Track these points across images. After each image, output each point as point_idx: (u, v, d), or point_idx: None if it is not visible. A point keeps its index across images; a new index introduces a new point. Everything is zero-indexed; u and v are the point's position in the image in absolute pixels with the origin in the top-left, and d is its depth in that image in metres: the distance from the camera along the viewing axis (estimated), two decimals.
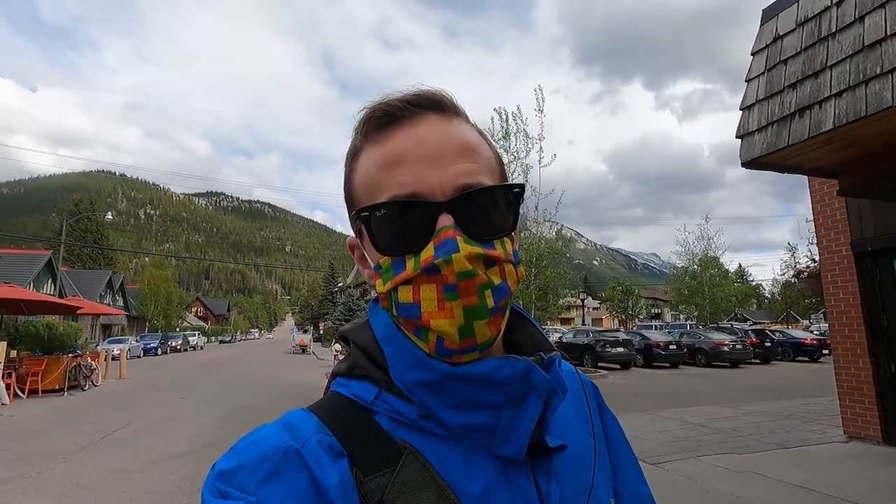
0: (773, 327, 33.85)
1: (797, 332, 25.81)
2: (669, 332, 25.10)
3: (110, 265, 52.66)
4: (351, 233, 0.56)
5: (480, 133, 0.55)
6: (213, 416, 9.37)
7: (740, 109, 4.15)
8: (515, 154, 16.47)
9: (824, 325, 27.15)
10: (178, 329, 53.30)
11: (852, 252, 6.34)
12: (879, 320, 6.13)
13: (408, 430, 0.49)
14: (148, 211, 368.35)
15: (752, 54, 4.20)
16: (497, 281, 0.47)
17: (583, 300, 34.60)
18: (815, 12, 3.70)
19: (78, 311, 16.56)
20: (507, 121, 16.55)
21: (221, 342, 71.33)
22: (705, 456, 5.77)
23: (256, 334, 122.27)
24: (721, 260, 37.07)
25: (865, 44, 3.24)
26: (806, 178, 6.17)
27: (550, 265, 17.87)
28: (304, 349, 37.09)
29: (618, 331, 25.78)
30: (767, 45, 4.04)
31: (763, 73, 4.02)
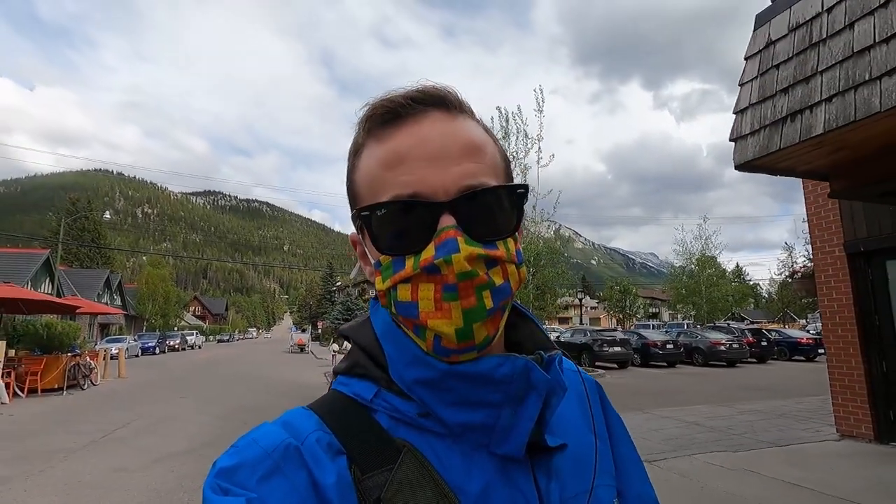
0: (770, 327, 34.02)
1: (793, 332, 25.98)
2: (667, 332, 25.22)
3: (108, 264, 52.58)
4: (353, 229, 0.56)
5: (486, 130, 0.54)
6: (213, 416, 9.42)
7: (734, 113, 4.22)
8: (514, 154, 16.55)
9: (820, 325, 27.30)
10: (175, 328, 53.27)
11: (845, 253, 6.42)
12: (872, 320, 6.21)
13: (407, 428, 0.49)
14: (145, 210, 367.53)
15: (746, 59, 4.27)
16: (499, 281, 0.47)
17: (581, 300, 34.68)
18: (807, 18, 3.77)
19: (77, 311, 16.57)
20: (507, 121, 16.63)
21: (219, 341, 71.27)
22: (700, 454, 5.84)
23: (254, 333, 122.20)
24: (719, 259, 37.26)
25: (855, 50, 3.32)
26: (800, 179, 6.25)
27: (548, 265, 17.96)
28: (302, 348, 37.12)
29: (615, 330, 25.87)
30: (760, 50, 4.11)
31: (756, 77, 4.09)
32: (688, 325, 36.33)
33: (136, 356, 29.81)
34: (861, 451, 5.83)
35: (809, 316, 48.35)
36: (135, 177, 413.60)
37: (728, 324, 31.61)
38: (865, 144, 3.74)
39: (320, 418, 0.49)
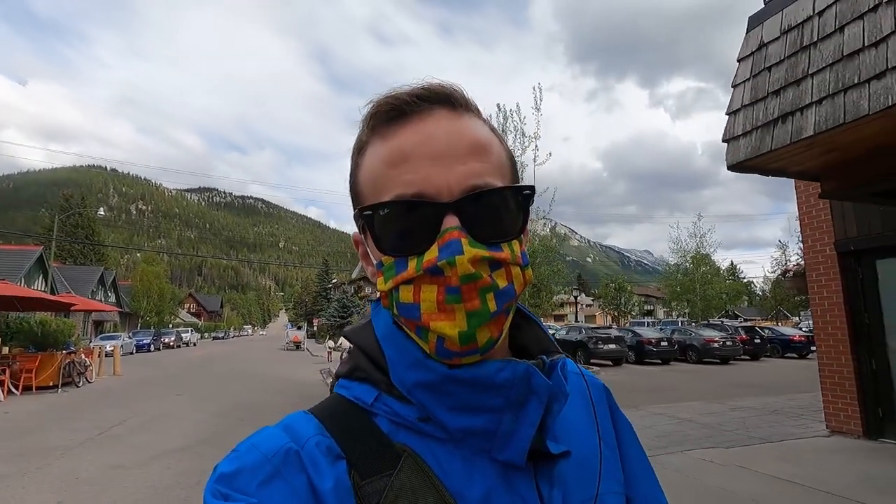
0: (763, 324, 34.29)
1: (786, 329, 26.17)
2: (661, 329, 25.36)
3: (102, 261, 52.28)
4: (355, 228, 0.55)
5: (492, 130, 0.53)
6: (209, 413, 9.43)
7: (726, 114, 4.27)
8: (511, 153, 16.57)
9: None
10: (170, 325, 53.09)
11: (836, 252, 6.51)
12: (861, 318, 6.31)
13: (407, 432, 0.48)
14: (140, 206, 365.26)
15: (739, 61, 4.33)
16: (502, 284, 0.46)
17: (576, 297, 34.86)
18: (799, 21, 3.83)
19: (72, 308, 16.51)
20: (505, 118, 16.66)
21: (215, 339, 71.10)
22: (693, 450, 5.92)
23: (250, 331, 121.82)
24: (713, 257, 37.51)
25: (844, 53, 3.38)
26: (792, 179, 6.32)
27: (544, 262, 18.03)
28: (298, 346, 37.11)
29: (610, 328, 26.03)
30: (753, 52, 4.17)
31: (748, 79, 4.15)
32: (682, 322, 36.57)
33: (131, 353, 29.72)
34: (850, 447, 5.93)
35: (802, 314, 48.78)
36: (129, 173, 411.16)
37: (722, 321, 31.85)
38: (855, 146, 3.80)
39: (320, 422, 0.49)
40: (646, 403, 9.31)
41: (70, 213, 48.97)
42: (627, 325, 43.22)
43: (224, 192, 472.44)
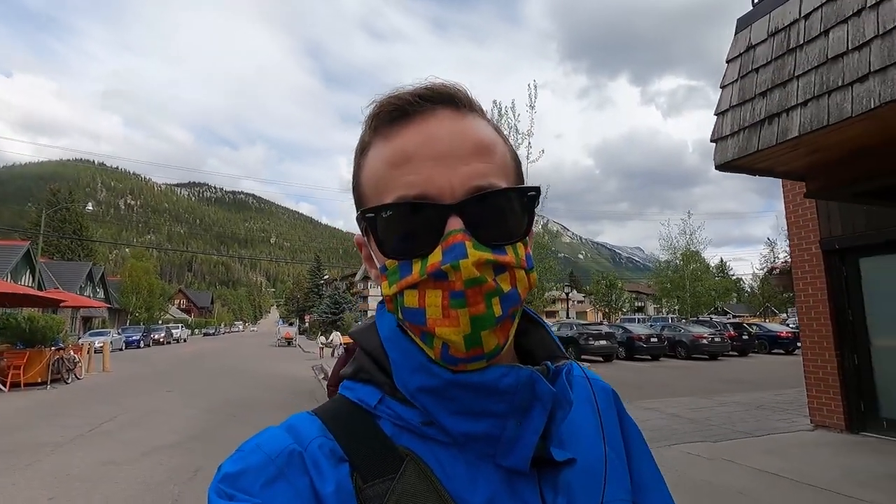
0: (752, 321, 34.76)
1: (773, 326, 26.58)
2: (651, 326, 25.64)
3: (90, 256, 51.72)
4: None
5: (497, 130, 0.52)
6: (200, 409, 9.42)
7: (715, 115, 4.34)
8: None
9: None
10: (160, 322, 52.68)
11: (821, 250, 6.64)
12: (845, 315, 6.45)
13: (411, 436, 0.48)
14: (128, 201, 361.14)
15: (727, 62, 4.39)
16: (507, 288, 0.46)
17: (567, 294, 35.07)
18: (785, 24, 3.89)
19: (60, 304, 16.35)
20: (500, 116, 16.69)
21: (205, 335, 70.67)
22: (680, 444, 6.03)
23: (241, 327, 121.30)
24: (703, 254, 37.93)
25: (829, 56, 3.45)
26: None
27: (536, 259, 18.04)
28: (289, 342, 37.03)
29: (601, 324, 26.23)
30: (741, 54, 4.23)
31: (736, 80, 4.22)
32: (672, 319, 36.97)
33: (121, 350, 29.49)
34: (833, 441, 6.07)
35: (789, 310, 49.51)
36: (117, 167, 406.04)
37: (711, 318, 32.23)
38: (839, 147, 3.89)
39: (324, 424, 0.49)
40: (635, 399, 9.43)
41: (58, 208, 48.35)
42: (618, 321, 43.59)
43: (214, 188, 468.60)
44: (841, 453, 5.58)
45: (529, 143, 16.58)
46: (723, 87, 4.35)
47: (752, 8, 4.36)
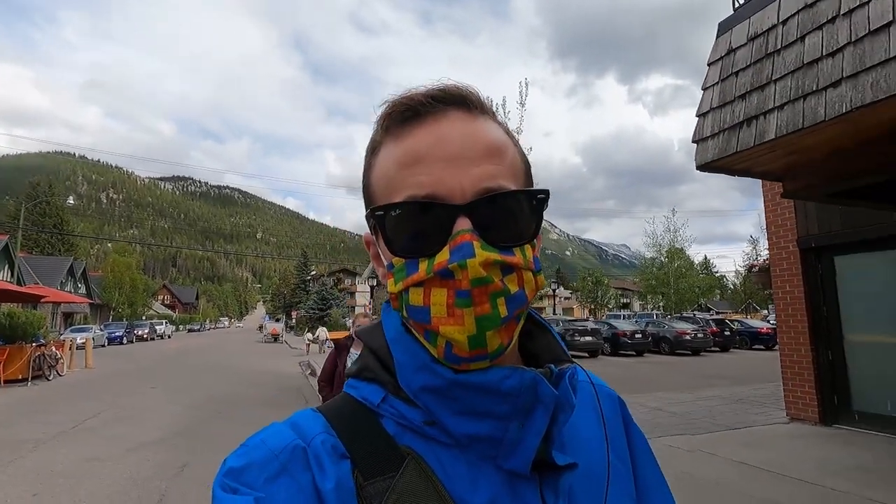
0: (734, 317, 35.44)
1: (754, 322, 27.14)
2: (636, 322, 26.01)
3: (71, 251, 50.77)
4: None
5: (507, 132, 0.53)
6: (185, 406, 9.37)
7: (696, 116, 4.45)
8: None
9: None
10: (143, 318, 51.98)
11: (798, 248, 6.83)
12: (820, 312, 6.65)
13: (413, 435, 0.48)
14: (110, 195, 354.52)
15: (709, 64, 4.50)
16: (514, 289, 0.46)
17: (554, 290, 35.40)
18: (764, 29, 4.00)
19: (41, 300, 16.07)
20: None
21: (190, 331, 69.91)
22: (661, 437, 6.18)
23: (226, 323, 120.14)
24: (688, 252, 38.55)
25: (805, 62, 3.56)
26: None
27: None
28: (276, 338, 36.83)
29: (587, 320, 26.57)
30: (722, 57, 4.34)
31: (717, 82, 4.32)
32: (657, 315, 37.55)
33: (103, 346, 29.04)
34: (807, 433, 6.27)
35: (770, 307, 50.49)
36: (98, 160, 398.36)
37: (694, 314, 32.79)
38: (814, 149, 4.02)
39: (327, 421, 0.49)
40: (619, 393, 9.56)
41: (37, 202, 47.35)
42: (604, 317, 44.09)
43: (199, 182, 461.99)
44: (814, 445, 5.77)
45: (518, 140, 16.72)
46: (704, 89, 4.45)
47: (733, 12, 4.46)
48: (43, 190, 55.05)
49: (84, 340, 18.87)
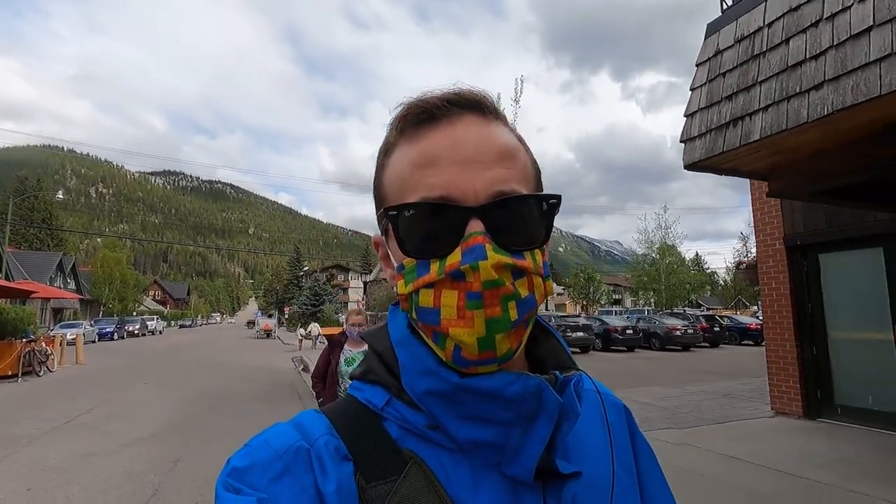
0: (724, 313, 35.82)
1: (743, 318, 27.48)
2: (627, 318, 26.24)
3: (60, 246, 50.28)
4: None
5: (519, 139, 0.53)
6: (177, 401, 9.38)
7: (684, 116, 4.53)
8: None
9: None
10: (134, 313, 51.62)
11: (784, 246, 6.96)
12: (805, 309, 6.79)
13: (416, 439, 0.48)
14: (100, 189, 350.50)
15: (697, 65, 4.57)
16: (524, 293, 0.46)
17: None
18: (751, 31, 4.08)
19: (31, 295, 15.95)
20: None
21: (181, 327, 69.53)
22: (649, 431, 6.29)
23: (218, 319, 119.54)
24: (679, 248, 38.89)
25: (789, 64, 3.64)
26: None
27: None
28: (268, 334, 36.75)
29: (578, 316, 26.76)
30: (710, 58, 4.42)
31: (705, 83, 4.40)
32: (648, 311, 37.88)
33: (93, 342, 28.85)
34: (791, 427, 6.42)
35: (759, 303, 51.03)
36: (88, 154, 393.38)
37: (684, 310, 33.11)
38: (798, 150, 4.11)
39: (331, 422, 0.49)
40: (610, 388, 9.72)
41: (25, 196, 46.78)
42: (596, 313, 44.41)
43: (191, 176, 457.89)
44: (798, 438, 5.91)
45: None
46: (692, 89, 4.53)
47: (721, 14, 4.54)
48: (31, 184, 54.41)
49: (74, 336, 18.76)
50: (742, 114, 3.94)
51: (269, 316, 54.15)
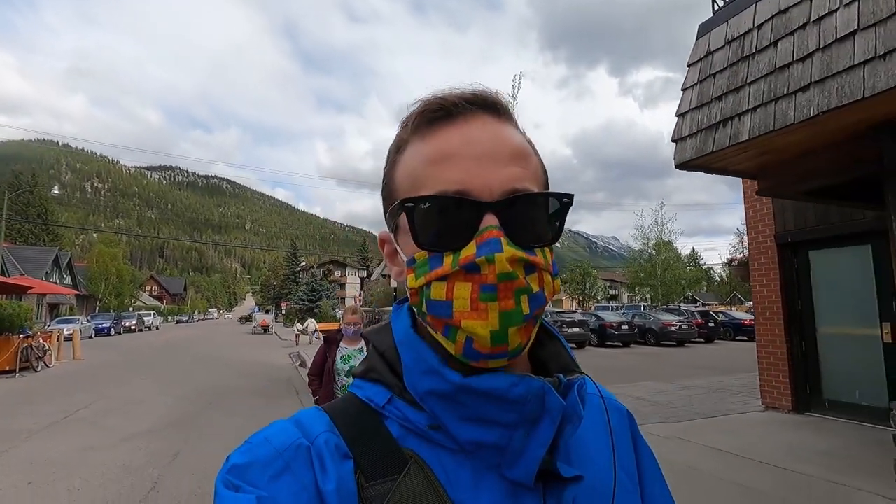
0: (719, 308, 36.05)
1: (738, 314, 27.66)
2: (623, 314, 26.39)
3: (55, 242, 50.09)
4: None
5: (529, 141, 0.54)
6: (175, 397, 9.44)
7: (676, 116, 4.60)
8: None
9: None
10: (131, 309, 51.53)
11: (776, 243, 7.06)
12: (795, 305, 6.90)
13: (417, 439, 0.48)
14: (95, 184, 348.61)
15: (688, 66, 4.64)
16: (535, 288, 0.46)
17: None
18: (741, 33, 4.15)
19: (29, 291, 15.95)
20: None
21: (178, 322, 69.42)
22: (642, 425, 6.31)
23: (215, 314, 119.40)
24: (675, 244, 39.06)
25: (777, 66, 3.72)
26: None
27: None
28: (266, 329, 36.79)
29: (574, 312, 26.89)
30: (701, 59, 4.49)
31: (696, 83, 4.47)
32: (644, 307, 38.09)
33: (90, 337, 28.84)
34: (780, 420, 6.53)
35: None
36: (83, 148, 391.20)
37: (679, 306, 33.29)
38: (787, 149, 4.19)
39: (332, 420, 0.49)
40: (603, 384, 9.78)
41: (20, 191, 46.54)
42: (592, 309, 44.59)
43: (187, 171, 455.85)
44: (787, 432, 6.02)
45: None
46: (683, 89, 4.60)
47: (712, 15, 4.61)
48: (26, 179, 54.11)
49: (71, 332, 18.76)
50: (731, 114, 4.01)
51: (267, 311, 54.18)
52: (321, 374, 3.70)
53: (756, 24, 4.02)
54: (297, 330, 24.97)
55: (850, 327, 6.39)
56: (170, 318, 71.68)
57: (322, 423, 0.49)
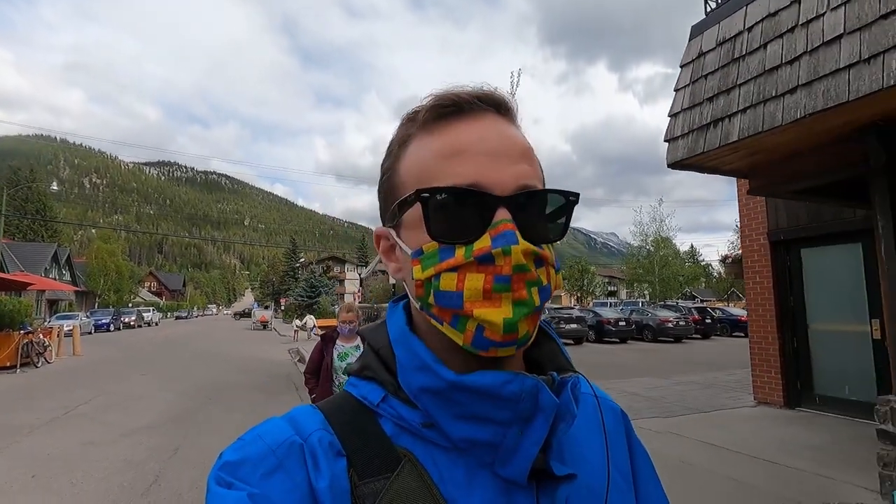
0: (717, 305, 36.20)
1: (735, 310, 27.79)
2: (621, 310, 26.52)
3: (54, 238, 50.08)
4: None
5: (530, 146, 0.55)
6: (175, 392, 9.52)
7: (668, 116, 4.67)
8: None
9: None
10: (130, 305, 51.62)
11: (769, 241, 7.14)
12: (787, 302, 6.99)
13: (411, 437, 0.48)
14: (94, 180, 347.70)
15: (681, 66, 4.71)
16: (545, 281, 0.47)
17: None
18: (732, 35, 4.22)
19: (29, 287, 16.01)
20: None
21: (177, 318, 69.54)
22: (635, 420, 6.48)
23: (214, 310, 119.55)
24: (674, 241, 39.18)
25: (766, 68, 3.79)
26: None
27: None
28: (265, 325, 36.89)
29: (572, 308, 27.04)
30: (693, 60, 4.55)
31: (688, 84, 4.54)
32: (642, 303, 38.24)
33: (90, 333, 28.93)
34: (771, 416, 6.64)
35: None
36: (81, 144, 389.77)
37: (677, 302, 33.45)
38: (776, 150, 4.27)
39: (326, 418, 0.49)
40: (599, 379, 9.94)
41: (18, 187, 46.48)
42: (591, 305, 44.76)
43: (185, 167, 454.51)
44: (778, 426, 6.13)
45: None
46: (676, 90, 4.67)
47: (705, 17, 4.67)
48: (24, 175, 54.03)
49: (71, 328, 18.84)
50: (722, 115, 4.08)
51: (266, 308, 54.28)
52: (317, 372, 3.70)
53: (747, 27, 4.08)
54: (296, 326, 25.06)
55: (841, 324, 6.48)
56: (169, 314, 71.78)
57: (316, 420, 0.49)
